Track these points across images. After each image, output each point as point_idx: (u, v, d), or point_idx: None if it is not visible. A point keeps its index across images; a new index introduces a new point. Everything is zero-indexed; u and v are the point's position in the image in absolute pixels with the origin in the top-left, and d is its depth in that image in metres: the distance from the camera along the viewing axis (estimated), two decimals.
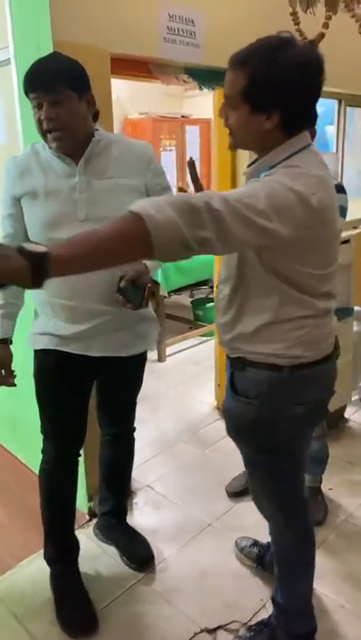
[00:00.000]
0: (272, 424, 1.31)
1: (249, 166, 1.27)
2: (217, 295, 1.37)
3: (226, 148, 2.51)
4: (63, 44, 1.70)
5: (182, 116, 5.32)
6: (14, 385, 1.67)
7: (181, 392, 3.37)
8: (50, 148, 1.48)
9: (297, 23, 2.36)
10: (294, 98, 1.12)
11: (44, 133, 1.44)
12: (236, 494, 2.32)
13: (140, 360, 1.79)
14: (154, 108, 5.01)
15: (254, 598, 1.81)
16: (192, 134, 5.36)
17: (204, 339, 4.14)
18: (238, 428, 1.40)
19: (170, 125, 5.15)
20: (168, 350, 3.88)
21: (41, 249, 0.87)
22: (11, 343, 1.68)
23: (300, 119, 1.18)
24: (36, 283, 0.87)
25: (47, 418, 1.72)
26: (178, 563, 1.97)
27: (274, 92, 1.10)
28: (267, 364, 1.26)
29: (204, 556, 2.00)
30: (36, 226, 1.54)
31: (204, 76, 2.27)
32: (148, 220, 0.91)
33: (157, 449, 2.72)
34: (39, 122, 1.42)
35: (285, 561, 1.54)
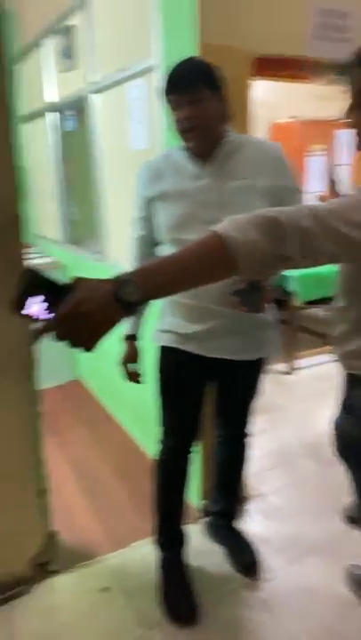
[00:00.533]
0: None
1: None
2: (331, 308, 1.33)
3: None
4: (208, 46, 1.76)
5: (336, 120, 5.14)
6: (140, 382, 1.78)
7: (307, 407, 3.26)
8: (187, 147, 1.54)
9: None
10: None
11: (182, 132, 1.50)
12: (353, 520, 2.20)
13: (258, 367, 1.78)
14: (306, 111, 4.90)
15: (360, 630, 1.70)
16: (344, 139, 5.14)
17: None
18: (349, 449, 1.33)
19: (319, 129, 4.99)
20: (298, 364, 3.79)
21: (131, 297, 0.86)
22: (138, 339, 1.78)
23: None
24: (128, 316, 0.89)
25: (165, 412, 1.79)
26: (285, 576, 1.93)
27: None
28: None
29: (312, 576, 1.93)
30: (163, 227, 1.59)
31: None
32: (229, 241, 0.90)
33: (276, 460, 2.68)
34: (178, 122, 1.48)
35: None
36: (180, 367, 1.70)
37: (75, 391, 3.57)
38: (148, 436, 2.73)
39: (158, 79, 2.02)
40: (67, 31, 2.90)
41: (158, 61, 2.00)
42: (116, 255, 2.83)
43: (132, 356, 1.77)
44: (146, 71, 2.13)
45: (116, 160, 2.66)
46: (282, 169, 1.56)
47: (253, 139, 1.65)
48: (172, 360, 1.70)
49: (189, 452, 1.85)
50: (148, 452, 2.71)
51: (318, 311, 4.80)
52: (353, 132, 1.17)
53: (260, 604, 1.81)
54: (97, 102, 2.71)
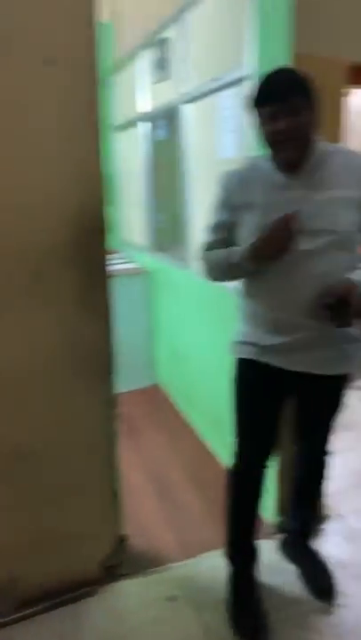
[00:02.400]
0: None
1: None
2: None
3: None
4: (301, 57, 1.72)
5: None
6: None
7: None
8: (277, 158, 1.51)
9: None
10: None
11: (275, 143, 1.46)
12: None
13: (342, 382, 1.71)
14: None
15: None
16: None
17: None
18: None
19: None
20: None
21: None
22: None
23: None
24: None
25: (241, 424, 1.76)
26: (360, 604, 1.82)
27: None
28: None
29: None
30: (249, 238, 1.55)
31: None
32: None
33: (358, 480, 2.54)
34: (272, 133, 1.44)
35: None
36: (259, 380, 1.66)
37: (154, 396, 3.62)
38: (223, 446, 2.70)
39: (248, 89, 2.01)
40: (162, 43, 2.98)
41: (251, 71, 1.99)
42: None
43: None
44: (238, 81, 2.13)
45: (203, 168, 2.69)
46: None
47: (343, 148, 1.59)
48: (251, 373, 1.67)
49: (264, 467, 1.80)
50: (222, 461, 2.68)
51: None
52: None
53: (331, 630, 1.72)
54: (187, 112, 2.75)
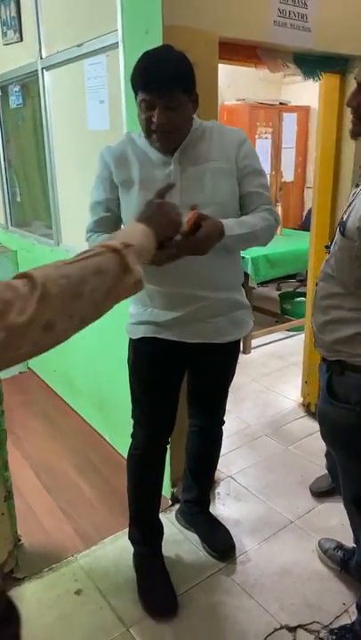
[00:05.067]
0: None
1: None
2: (317, 293, 1.32)
3: (330, 136, 2.43)
4: (173, 28, 1.69)
5: (280, 103, 5.19)
6: None
7: (265, 386, 3.32)
8: (153, 146, 1.48)
9: None
10: None
11: (150, 132, 1.43)
12: (320, 494, 2.26)
13: (234, 349, 1.77)
14: (252, 94, 4.91)
15: (336, 602, 1.76)
16: (289, 122, 5.22)
17: (291, 333, 4.05)
18: (336, 435, 1.35)
19: (266, 112, 5.03)
20: (253, 343, 3.84)
21: None
22: None
23: None
24: None
25: (140, 405, 1.75)
26: (259, 557, 1.96)
27: None
28: None
29: (285, 553, 1.97)
30: (131, 214, 1.54)
31: (312, 63, 2.18)
32: None
33: (240, 441, 2.71)
34: (148, 121, 1.40)
35: None
36: (157, 358, 1.66)
37: (27, 383, 3.43)
38: (110, 427, 2.67)
39: (120, 58, 1.93)
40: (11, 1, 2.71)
41: (119, 40, 1.90)
42: (72, 239, 2.72)
43: None
44: (106, 49, 2.02)
45: (72, 140, 2.54)
46: (247, 151, 1.55)
47: (217, 123, 1.61)
48: (148, 351, 1.66)
49: (165, 445, 1.82)
50: (111, 442, 2.66)
51: (267, 291, 4.90)
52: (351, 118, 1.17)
53: (238, 588, 1.83)
54: (50, 79, 2.57)
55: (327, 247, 1.33)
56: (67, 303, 0.72)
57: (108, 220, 1.61)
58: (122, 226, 1.64)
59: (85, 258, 0.79)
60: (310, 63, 2.17)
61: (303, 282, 4.98)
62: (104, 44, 2.04)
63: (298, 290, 4.71)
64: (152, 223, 0.95)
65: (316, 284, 1.34)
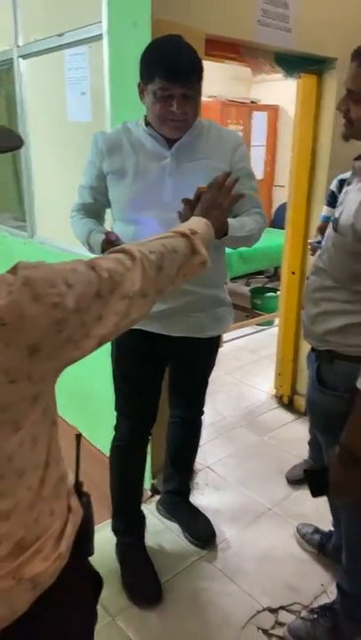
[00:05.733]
0: None
1: (357, 159, 1.26)
2: (309, 286, 1.38)
3: (306, 136, 2.50)
4: (162, 22, 1.71)
5: (251, 102, 5.26)
6: None
7: (239, 379, 3.39)
8: (162, 134, 1.49)
9: None
10: None
11: (166, 120, 1.44)
12: (296, 482, 2.34)
13: (215, 343, 1.82)
14: (222, 91, 4.96)
15: (315, 583, 1.83)
16: (259, 120, 5.30)
17: (261, 327, 4.13)
18: (325, 422, 1.40)
19: (237, 110, 5.09)
20: (225, 337, 3.90)
21: None
22: None
23: None
24: None
25: (125, 397, 1.77)
26: (239, 543, 2.01)
27: None
28: (360, 357, 1.26)
29: (264, 539, 2.03)
30: (121, 204, 1.57)
31: (292, 63, 2.24)
32: None
33: (216, 432, 2.76)
34: (163, 109, 1.41)
35: (356, 550, 1.55)
36: (142, 350, 1.68)
37: None
38: (93, 428, 2.66)
39: (105, 50, 1.93)
40: None
41: (103, 32, 1.90)
42: (48, 231, 2.69)
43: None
44: (89, 40, 2.01)
45: (49, 130, 2.51)
46: (240, 153, 1.59)
47: (214, 122, 1.65)
48: (132, 343, 1.66)
49: (148, 436, 1.84)
50: (94, 443, 2.65)
51: (236, 286, 4.97)
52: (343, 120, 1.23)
53: (220, 574, 1.88)
54: (27, 67, 2.53)
55: (318, 242, 1.38)
56: (155, 275, 0.84)
57: (93, 207, 1.64)
58: (106, 213, 1.66)
59: (162, 238, 0.92)
60: (290, 63, 2.23)
61: (271, 278, 5.09)
62: (87, 35, 2.03)
63: (266, 285, 4.81)
64: (209, 216, 1.10)
65: (307, 278, 1.39)
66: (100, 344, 0.76)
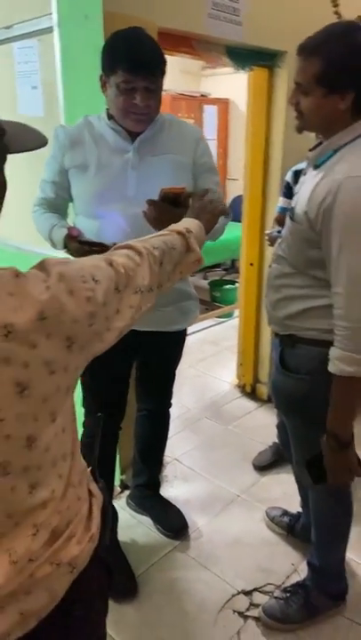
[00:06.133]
0: (323, 399, 1.36)
1: (311, 150, 1.30)
2: (270, 273, 1.42)
3: (259, 129, 2.54)
4: (113, 14, 1.69)
5: (201, 95, 5.29)
6: None
7: (201, 371, 3.42)
8: (125, 127, 1.49)
9: (336, 5, 2.35)
10: None
11: (126, 114, 1.43)
12: (262, 468, 2.39)
13: (182, 337, 1.84)
14: (172, 85, 4.96)
15: (286, 563, 1.89)
16: (210, 113, 5.34)
17: (221, 320, 4.19)
18: (289, 403, 1.45)
19: (188, 104, 5.12)
20: (187, 330, 3.92)
21: None
22: None
23: None
24: None
25: (92, 393, 1.76)
26: (210, 531, 2.05)
27: (349, 72, 1.15)
28: (319, 340, 1.31)
29: (235, 525, 2.08)
30: (84, 198, 1.56)
31: (243, 56, 2.27)
32: None
33: (182, 424, 2.79)
34: (126, 102, 1.41)
35: (325, 526, 1.61)
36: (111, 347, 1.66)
37: None
38: None
39: (56, 43, 1.89)
40: None
41: (54, 24, 1.86)
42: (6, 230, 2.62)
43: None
44: (38, 33, 1.97)
45: None
46: (202, 147, 1.61)
47: (175, 117, 1.66)
48: None
49: (117, 431, 1.84)
50: None
51: (194, 280, 5.00)
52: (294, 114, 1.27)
53: (194, 562, 1.90)
54: None
55: (278, 232, 1.42)
56: (158, 270, 0.90)
57: (55, 201, 1.63)
58: (69, 208, 1.65)
59: (161, 235, 0.97)
60: (241, 56, 2.26)
61: (228, 270, 5.16)
62: (36, 28, 1.98)
63: (224, 278, 4.86)
64: (201, 219, 1.14)
65: (270, 266, 1.43)
66: (118, 337, 0.82)
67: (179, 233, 1.00)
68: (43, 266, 0.70)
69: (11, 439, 0.66)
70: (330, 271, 1.20)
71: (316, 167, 1.25)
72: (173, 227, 1.04)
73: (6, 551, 0.70)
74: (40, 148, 0.79)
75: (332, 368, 1.21)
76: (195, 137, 1.60)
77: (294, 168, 2.14)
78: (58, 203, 1.63)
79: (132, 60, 1.36)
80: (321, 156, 1.25)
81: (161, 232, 1.01)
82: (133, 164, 1.51)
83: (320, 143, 1.28)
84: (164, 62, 1.42)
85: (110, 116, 1.51)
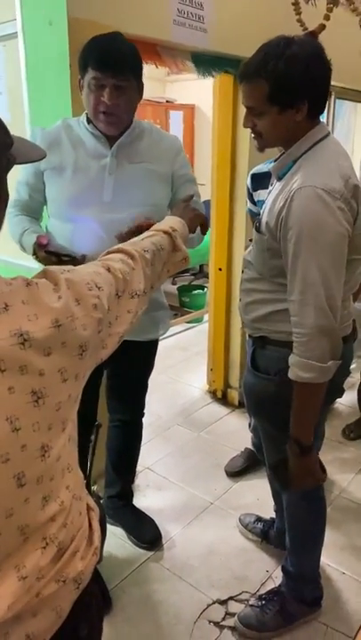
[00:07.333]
0: (291, 400, 1.36)
1: (276, 160, 1.31)
2: (242, 277, 1.43)
3: (224, 136, 2.56)
4: (78, 21, 1.68)
5: (167, 101, 5.30)
6: None
7: (172, 377, 3.41)
8: (97, 128, 1.48)
9: (298, 13, 2.39)
10: (316, 81, 1.19)
11: (98, 113, 1.43)
12: (234, 474, 2.39)
13: (153, 346, 1.83)
14: None
15: (261, 570, 1.89)
16: (176, 119, 5.35)
17: (190, 325, 4.18)
18: (259, 404, 1.46)
19: (154, 109, 5.13)
20: None
21: None
22: None
23: (323, 102, 1.25)
24: None
25: None
26: (184, 540, 2.03)
27: (298, 85, 1.16)
28: (287, 342, 1.31)
29: (208, 533, 2.06)
30: (59, 201, 1.54)
31: (209, 63, 2.28)
32: None
33: (153, 432, 2.76)
34: (96, 100, 1.41)
35: (299, 531, 1.62)
36: None
37: None
38: None
39: (20, 49, 1.86)
40: None
41: (17, 30, 1.84)
42: None
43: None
44: (3, 39, 1.94)
45: None
46: (182, 159, 1.62)
47: (154, 127, 1.66)
48: None
49: (88, 442, 1.80)
50: None
51: (168, 285, 4.99)
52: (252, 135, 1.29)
53: (168, 573, 1.88)
54: None
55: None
56: (150, 272, 0.91)
57: (29, 203, 1.61)
58: (44, 210, 1.63)
59: (150, 236, 0.98)
60: (206, 63, 2.26)
61: (196, 275, 5.17)
62: (1, 34, 1.96)
63: (193, 283, 4.87)
64: (184, 217, 1.15)
65: (243, 272, 1.44)
66: (119, 342, 0.81)
67: (165, 232, 1.01)
68: (48, 274, 0.71)
69: (26, 449, 0.65)
70: (288, 279, 1.22)
71: (280, 179, 1.27)
72: (158, 226, 1.05)
73: (15, 567, 0.68)
74: (41, 159, 0.80)
75: (290, 374, 1.22)
76: (175, 148, 1.61)
77: (253, 171, 2.14)
78: (32, 205, 1.61)
79: (102, 57, 1.37)
80: (282, 167, 1.27)
81: (147, 233, 1.01)
82: (111, 169, 1.50)
83: (283, 153, 1.29)
84: (137, 65, 1.43)
85: (90, 120, 1.50)
